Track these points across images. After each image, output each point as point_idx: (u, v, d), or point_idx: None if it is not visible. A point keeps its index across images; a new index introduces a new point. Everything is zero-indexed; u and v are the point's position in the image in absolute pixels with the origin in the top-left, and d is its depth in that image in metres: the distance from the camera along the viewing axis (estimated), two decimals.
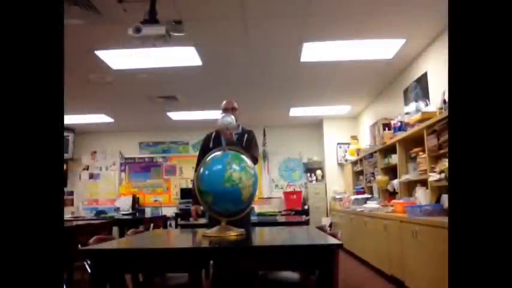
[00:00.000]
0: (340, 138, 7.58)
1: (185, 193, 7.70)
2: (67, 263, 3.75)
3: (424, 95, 4.35)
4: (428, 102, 4.23)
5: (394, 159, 4.59)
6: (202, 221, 3.80)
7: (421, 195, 3.67)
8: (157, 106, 6.34)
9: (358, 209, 5.18)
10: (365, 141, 6.77)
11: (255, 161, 3.10)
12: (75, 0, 3.00)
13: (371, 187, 5.84)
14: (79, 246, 3.71)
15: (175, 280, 2.39)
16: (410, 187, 4.24)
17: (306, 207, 7.52)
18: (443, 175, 3.18)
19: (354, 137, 7.38)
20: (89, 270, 1.88)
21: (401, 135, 4.27)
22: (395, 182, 4.57)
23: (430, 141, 3.46)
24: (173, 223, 7.42)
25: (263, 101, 6.28)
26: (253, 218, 3.92)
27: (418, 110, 4.34)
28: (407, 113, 4.60)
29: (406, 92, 4.94)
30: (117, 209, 6.88)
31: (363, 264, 5.01)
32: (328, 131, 7.67)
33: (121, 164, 8.27)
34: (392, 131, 4.69)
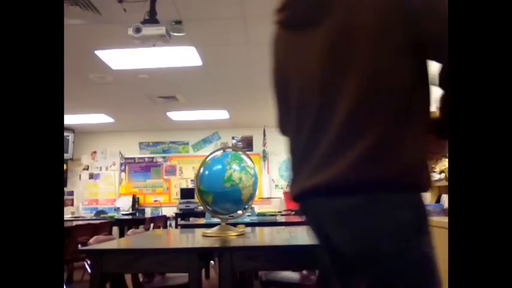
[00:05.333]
0: None
1: (185, 193, 7.71)
2: (67, 263, 3.75)
3: None
4: None
5: None
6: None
7: None
8: (157, 106, 6.34)
9: None
10: None
11: None
12: (75, 0, 3.00)
13: None
14: (79, 246, 3.71)
15: (175, 280, 2.39)
16: None
17: None
18: (443, 175, 3.17)
19: None
20: (89, 270, 1.88)
21: None
22: None
23: None
24: (173, 223, 7.43)
25: (263, 101, 6.27)
26: (253, 218, 3.92)
27: None
28: None
29: None
30: (117, 209, 6.88)
31: None
32: None
33: (121, 164, 8.26)
34: None
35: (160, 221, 6.40)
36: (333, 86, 0.82)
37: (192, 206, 7.44)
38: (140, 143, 8.33)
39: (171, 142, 8.34)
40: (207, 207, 2.26)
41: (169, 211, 7.59)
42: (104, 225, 4.79)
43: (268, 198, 7.74)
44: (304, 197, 0.88)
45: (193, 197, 7.37)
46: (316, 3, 0.88)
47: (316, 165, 0.82)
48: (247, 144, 8.22)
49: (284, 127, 1.09)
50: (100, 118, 7.06)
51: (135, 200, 7.85)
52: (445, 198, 3.29)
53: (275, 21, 1.03)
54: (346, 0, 0.83)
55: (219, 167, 2.16)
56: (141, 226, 5.72)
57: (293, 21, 0.96)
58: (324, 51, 0.84)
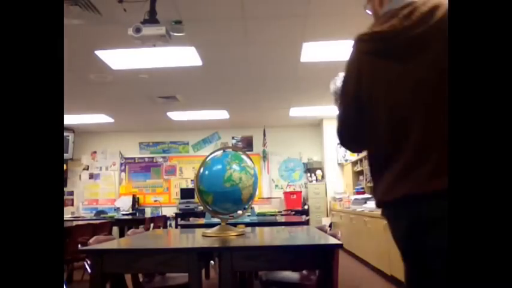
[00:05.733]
0: None
1: (185, 193, 7.71)
2: (67, 263, 3.75)
3: None
4: None
5: None
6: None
7: None
8: (157, 106, 6.34)
9: (358, 209, 5.18)
10: None
11: None
12: (75, 0, 3.00)
13: (371, 187, 5.84)
14: (79, 246, 3.71)
15: (175, 280, 2.39)
16: None
17: (306, 207, 7.52)
18: None
19: None
20: (89, 270, 1.88)
21: None
22: None
23: None
24: (173, 223, 7.43)
25: (263, 101, 6.28)
26: (253, 218, 3.92)
27: None
28: None
29: None
30: (117, 209, 6.88)
31: (363, 264, 5.01)
32: (328, 131, 7.66)
33: (121, 164, 8.26)
34: None
35: (160, 221, 6.40)
36: (436, 112, 0.98)
37: (192, 206, 7.44)
38: (140, 143, 8.33)
39: (171, 142, 8.34)
40: (207, 207, 2.26)
41: (169, 211, 7.59)
42: (104, 225, 4.79)
43: (268, 198, 7.75)
44: (418, 198, 1.00)
45: (193, 197, 7.37)
46: (414, 41, 1.05)
47: (433, 170, 0.97)
48: (247, 144, 8.22)
49: (357, 139, 1.27)
50: (100, 118, 7.06)
51: (135, 200, 7.85)
52: None
53: (362, 50, 1.17)
54: (439, 46, 0.99)
55: (219, 167, 2.16)
56: (141, 226, 5.71)
57: (386, 53, 1.12)
58: (421, 82, 1.02)
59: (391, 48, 1.10)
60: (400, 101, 1.06)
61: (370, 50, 1.15)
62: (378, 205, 1.15)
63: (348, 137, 1.29)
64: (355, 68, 1.18)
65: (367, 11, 1.32)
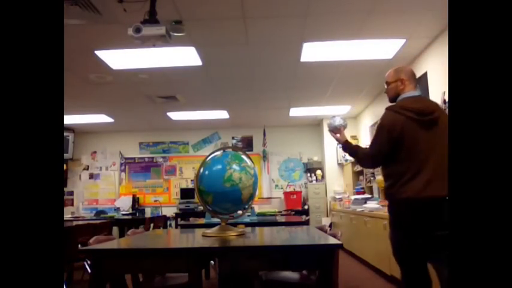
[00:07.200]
0: None
1: (185, 193, 7.71)
2: (67, 263, 3.75)
3: (424, 95, 4.35)
4: None
5: None
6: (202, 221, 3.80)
7: None
8: (157, 106, 6.34)
9: (358, 209, 5.18)
10: (365, 141, 6.77)
11: None
12: (75, 0, 3.00)
13: (371, 187, 5.84)
14: (79, 246, 3.71)
15: (175, 280, 2.39)
16: None
17: (306, 207, 7.52)
18: None
19: (354, 137, 7.38)
20: (89, 270, 1.88)
21: None
22: None
23: None
24: (173, 223, 7.43)
25: (263, 101, 6.28)
26: (253, 218, 3.92)
27: None
28: None
29: None
30: (117, 209, 6.88)
31: (363, 264, 5.01)
32: (328, 131, 7.65)
33: (121, 164, 8.26)
34: None
35: (160, 221, 6.40)
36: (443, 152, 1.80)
37: (192, 206, 7.44)
38: (140, 143, 8.33)
39: (171, 142, 8.33)
40: (207, 207, 2.26)
41: (169, 211, 7.59)
42: (104, 225, 4.78)
43: (268, 198, 7.74)
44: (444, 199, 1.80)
45: (193, 197, 7.37)
46: (433, 119, 2.00)
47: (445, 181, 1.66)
48: (247, 144, 8.22)
49: (379, 163, 2.16)
50: (100, 118, 7.06)
51: (135, 200, 7.84)
52: None
53: (406, 115, 1.99)
54: (442, 118, 2.03)
55: (219, 167, 2.16)
56: (141, 226, 5.72)
57: (419, 120, 1.99)
58: (442, 138, 1.94)
59: (422, 119, 1.97)
60: (425, 148, 1.95)
61: (411, 116, 1.96)
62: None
63: (375, 162, 2.16)
64: (401, 124, 1.96)
65: (386, 85, 2.28)
